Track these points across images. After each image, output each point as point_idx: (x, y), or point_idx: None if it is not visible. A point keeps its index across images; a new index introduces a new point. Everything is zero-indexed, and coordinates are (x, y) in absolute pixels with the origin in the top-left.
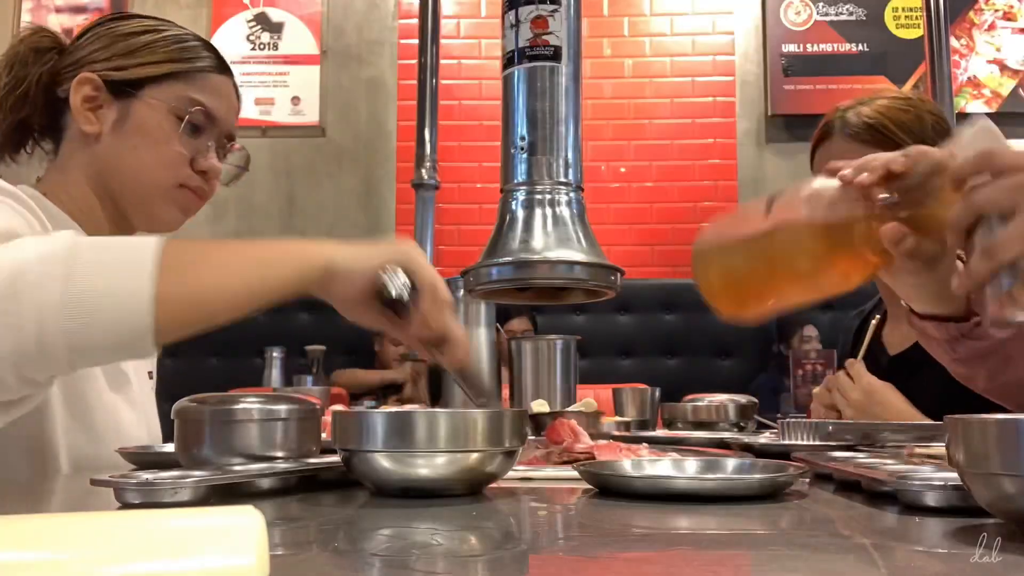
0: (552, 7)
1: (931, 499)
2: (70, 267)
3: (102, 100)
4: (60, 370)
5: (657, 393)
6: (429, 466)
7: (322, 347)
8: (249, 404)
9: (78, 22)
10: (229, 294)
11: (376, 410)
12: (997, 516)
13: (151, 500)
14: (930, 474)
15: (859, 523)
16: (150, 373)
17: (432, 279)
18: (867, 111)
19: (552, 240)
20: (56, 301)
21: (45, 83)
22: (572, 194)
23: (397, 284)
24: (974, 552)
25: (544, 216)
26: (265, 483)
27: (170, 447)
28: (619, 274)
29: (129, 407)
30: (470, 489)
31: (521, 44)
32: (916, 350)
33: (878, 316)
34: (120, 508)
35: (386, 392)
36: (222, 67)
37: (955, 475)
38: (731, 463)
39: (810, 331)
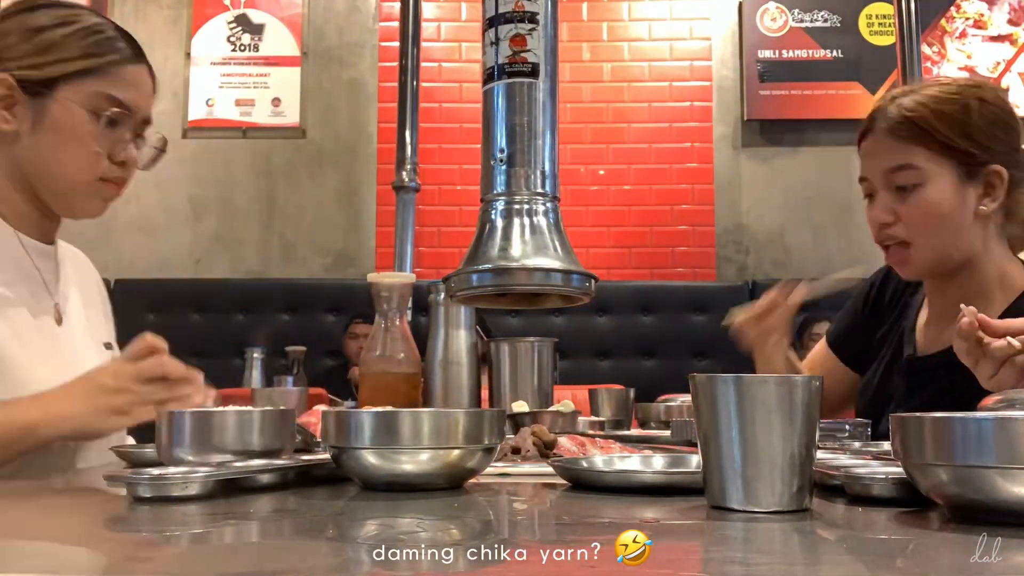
0: (530, 26)
1: (875, 490)
2: None
3: (17, 99)
4: None
5: (632, 393)
6: (413, 462)
7: (302, 348)
8: (225, 408)
9: None
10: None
11: (362, 410)
12: (937, 502)
13: (162, 494)
14: (876, 468)
15: (810, 513)
16: (107, 344)
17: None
18: (908, 102)
19: (530, 248)
20: None
21: None
22: (549, 204)
23: None
24: (913, 537)
25: (522, 225)
26: (265, 478)
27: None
28: (593, 280)
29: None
30: (451, 483)
31: (500, 61)
32: (940, 355)
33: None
34: (133, 502)
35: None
36: (136, 56)
37: (897, 470)
38: (694, 459)
39: (820, 328)
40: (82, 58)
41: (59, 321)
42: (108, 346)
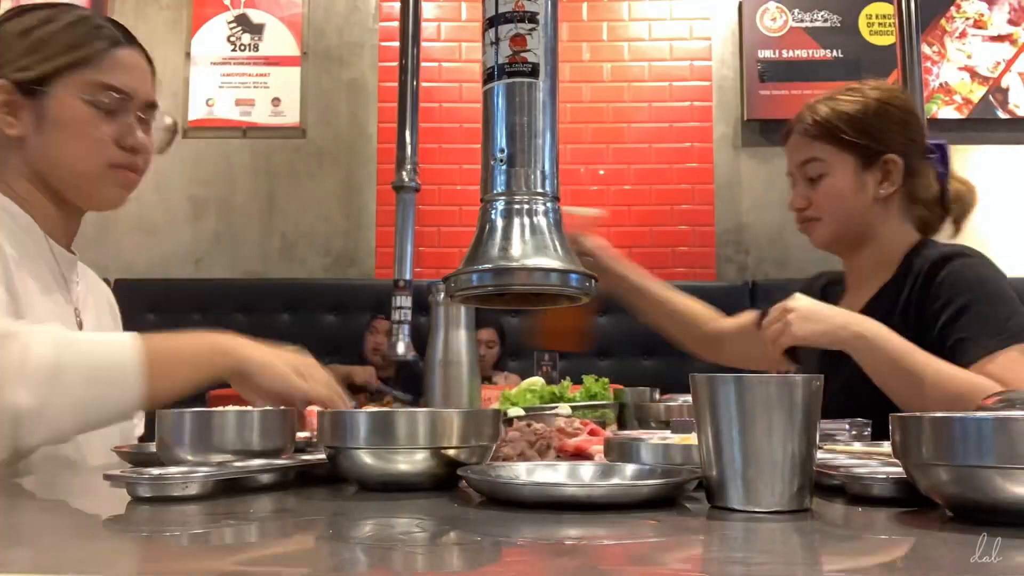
0: (530, 25)
1: (875, 490)
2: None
3: (17, 102)
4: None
5: (657, 394)
6: (408, 462)
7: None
8: (225, 408)
9: None
10: (180, 389)
11: (359, 410)
12: (937, 502)
13: (162, 494)
14: (876, 468)
15: (810, 513)
16: None
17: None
18: (820, 108)
19: (530, 248)
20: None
21: None
22: (549, 204)
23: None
24: (913, 537)
25: (522, 225)
26: (264, 478)
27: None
28: (593, 280)
29: None
30: (448, 483)
31: (500, 61)
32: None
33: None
34: (133, 502)
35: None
36: (125, 39)
37: (897, 470)
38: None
39: None
40: (69, 51)
41: (80, 327)
42: None
